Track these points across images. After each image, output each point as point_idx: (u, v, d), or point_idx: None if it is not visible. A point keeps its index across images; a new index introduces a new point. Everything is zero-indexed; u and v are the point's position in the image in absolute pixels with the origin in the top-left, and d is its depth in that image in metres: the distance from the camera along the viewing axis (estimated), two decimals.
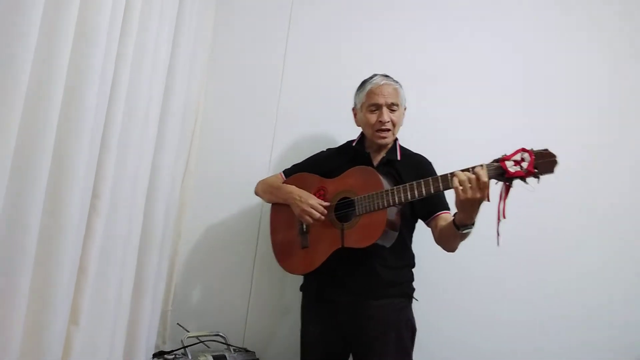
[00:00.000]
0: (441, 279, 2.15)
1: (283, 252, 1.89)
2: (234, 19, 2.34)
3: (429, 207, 1.76)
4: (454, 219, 1.58)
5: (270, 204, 2.00)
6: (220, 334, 2.01)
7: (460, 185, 1.47)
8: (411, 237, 1.86)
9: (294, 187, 1.87)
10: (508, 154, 1.45)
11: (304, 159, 2.24)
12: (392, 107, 1.81)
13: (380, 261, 1.73)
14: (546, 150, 1.42)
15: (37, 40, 1.12)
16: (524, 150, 1.43)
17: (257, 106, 2.31)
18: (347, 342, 1.77)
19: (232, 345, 1.97)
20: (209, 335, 1.97)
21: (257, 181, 2.23)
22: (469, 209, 1.51)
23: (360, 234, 1.66)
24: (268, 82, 2.32)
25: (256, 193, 2.02)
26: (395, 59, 2.32)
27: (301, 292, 1.92)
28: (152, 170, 1.69)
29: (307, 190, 1.83)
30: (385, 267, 1.74)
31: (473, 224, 1.55)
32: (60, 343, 1.29)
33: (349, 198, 1.72)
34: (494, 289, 2.19)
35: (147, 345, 1.74)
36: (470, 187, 1.46)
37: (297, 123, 2.31)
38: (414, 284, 1.85)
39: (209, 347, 1.97)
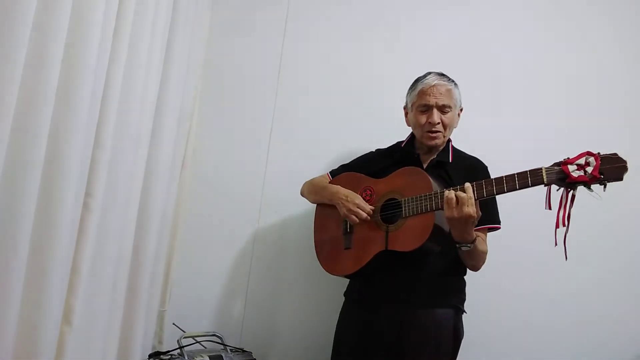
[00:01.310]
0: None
1: (325, 252, 1.85)
2: (229, 21, 2.32)
3: None
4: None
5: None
6: (217, 334, 2.00)
7: (447, 202, 1.46)
8: None
9: (339, 187, 1.82)
10: (571, 157, 1.34)
11: (301, 158, 2.25)
12: (443, 109, 1.73)
13: (427, 267, 1.66)
14: (615, 154, 1.30)
15: (29, 37, 1.11)
16: (589, 153, 1.31)
17: (254, 105, 2.29)
18: (387, 351, 1.69)
19: (228, 346, 1.96)
20: (205, 336, 1.96)
21: (254, 180, 2.24)
22: (457, 226, 1.50)
23: (405, 237, 1.59)
24: (265, 83, 2.30)
25: (302, 194, 1.99)
26: (396, 60, 2.32)
27: (344, 297, 1.88)
28: (147, 169, 1.68)
29: (354, 190, 1.78)
30: (431, 274, 1.67)
31: (471, 242, 1.53)
32: (53, 343, 1.28)
33: (396, 199, 1.66)
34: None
35: (142, 345, 1.73)
36: (457, 204, 1.45)
37: (294, 123, 2.29)
38: (467, 293, 1.77)
39: (205, 347, 1.96)
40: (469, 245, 1.53)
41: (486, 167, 1.77)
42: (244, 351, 1.97)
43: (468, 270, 1.75)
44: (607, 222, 2.19)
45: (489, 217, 1.69)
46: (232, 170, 2.25)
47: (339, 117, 2.29)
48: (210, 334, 1.98)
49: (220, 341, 1.98)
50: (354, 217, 1.71)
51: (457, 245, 1.55)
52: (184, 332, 1.92)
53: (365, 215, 1.69)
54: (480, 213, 1.49)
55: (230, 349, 1.94)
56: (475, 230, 1.59)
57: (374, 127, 2.26)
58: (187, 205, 2.15)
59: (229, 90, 2.30)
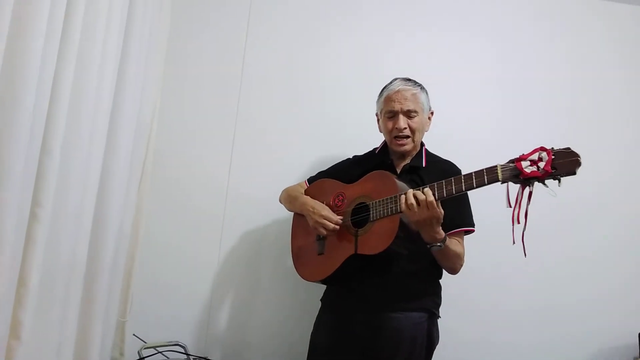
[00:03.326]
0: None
1: (300, 259, 1.86)
2: (190, 23, 2.29)
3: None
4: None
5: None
6: (180, 343, 1.95)
7: (408, 207, 1.46)
8: None
9: (308, 197, 1.84)
10: (526, 153, 1.35)
11: (265, 162, 2.23)
12: (409, 113, 1.74)
13: (399, 271, 1.66)
14: (568, 149, 1.32)
15: None
16: (542, 149, 1.33)
17: (216, 109, 2.26)
18: (361, 355, 1.69)
19: (191, 355, 1.92)
20: (167, 345, 1.91)
21: (217, 184, 2.20)
22: (423, 228, 1.51)
23: (372, 240, 1.60)
24: (227, 85, 2.27)
25: (280, 202, 1.99)
26: (353, 59, 2.33)
27: (321, 303, 1.88)
28: (103, 176, 1.61)
29: (327, 196, 1.79)
30: (404, 277, 1.67)
31: (442, 241, 1.53)
32: (1, 359, 1.22)
33: (365, 203, 1.67)
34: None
35: (100, 357, 1.67)
36: (419, 207, 1.45)
37: (257, 126, 2.27)
38: (442, 297, 1.77)
39: (168, 357, 1.91)
40: (439, 244, 1.53)
41: (459, 171, 1.76)
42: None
43: (444, 275, 1.76)
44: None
45: (463, 220, 1.71)
46: (194, 176, 2.21)
47: (304, 119, 2.29)
48: (173, 343, 1.93)
49: (183, 351, 1.94)
50: (321, 229, 1.72)
51: (429, 247, 1.55)
52: (145, 342, 1.87)
53: (332, 226, 1.70)
54: (442, 211, 1.49)
55: (193, 358, 1.90)
56: (450, 234, 1.61)
57: (341, 129, 2.27)
58: (148, 213, 2.09)
59: (190, 92, 2.26)
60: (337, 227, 1.69)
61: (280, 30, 2.33)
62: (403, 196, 1.49)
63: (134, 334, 1.92)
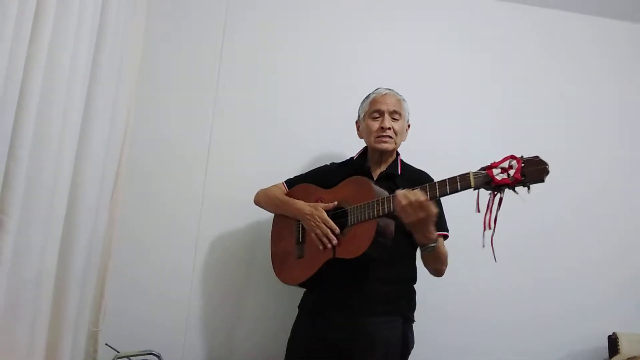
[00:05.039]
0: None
1: (279, 263, 1.87)
2: (167, 22, 2.26)
3: None
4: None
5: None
6: (154, 352, 1.90)
7: (404, 207, 1.45)
8: (414, 250, 1.77)
9: (302, 202, 1.80)
10: (497, 160, 1.38)
11: (241, 165, 2.21)
12: (394, 115, 1.81)
13: (375, 275, 1.68)
14: (536, 157, 1.34)
15: None
16: (512, 157, 1.36)
17: (192, 112, 2.23)
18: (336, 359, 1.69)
19: None
20: (141, 355, 1.87)
21: (192, 189, 2.17)
22: (418, 229, 1.50)
23: (350, 245, 1.62)
24: (203, 87, 2.25)
25: (257, 203, 1.97)
26: (333, 61, 2.32)
27: (298, 309, 1.87)
28: (73, 184, 1.57)
29: (308, 201, 1.79)
30: (380, 282, 1.69)
31: (434, 242, 1.54)
32: None
33: (343, 208, 1.68)
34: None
35: None
36: (412, 209, 1.44)
37: (234, 125, 2.25)
38: (417, 301, 1.78)
39: None
40: (432, 245, 1.54)
41: (432, 180, 1.75)
42: None
43: (419, 279, 1.79)
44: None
45: (440, 225, 1.71)
46: (169, 182, 2.18)
47: (282, 121, 2.28)
48: (147, 352, 1.88)
49: None
50: (324, 239, 1.66)
51: (422, 249, 1.57)
52: (118, 352, 1.82)
53: (336, 240, 1.65)
54: (436, 209, 1.48)
55: None
56: None
57: (320, 130, 2.27)
58: (122, 221, 2.04)
59: (166, 95, 2.23)
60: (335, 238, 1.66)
61: (258, 27, 2.32)
62: (397, 197, 1.47)
63: (106, 344, 1.86)
